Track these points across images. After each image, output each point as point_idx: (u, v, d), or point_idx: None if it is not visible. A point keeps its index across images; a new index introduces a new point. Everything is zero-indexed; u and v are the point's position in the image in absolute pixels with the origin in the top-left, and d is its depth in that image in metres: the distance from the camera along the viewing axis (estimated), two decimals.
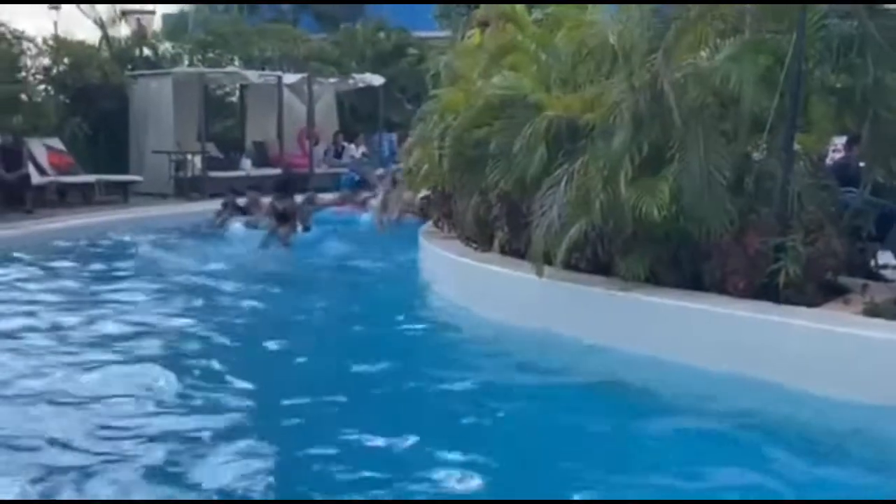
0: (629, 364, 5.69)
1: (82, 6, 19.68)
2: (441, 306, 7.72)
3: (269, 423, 5.18)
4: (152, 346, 6.80)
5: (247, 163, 18.13)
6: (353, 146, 19.79)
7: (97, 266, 10.65)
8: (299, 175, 16.51)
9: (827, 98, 6.36)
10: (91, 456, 4.59)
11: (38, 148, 15.37)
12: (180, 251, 11.50)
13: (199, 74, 18.05)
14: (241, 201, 12.99)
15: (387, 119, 20.22)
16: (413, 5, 22.55)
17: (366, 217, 13.27)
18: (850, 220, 6.53)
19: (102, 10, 19.85)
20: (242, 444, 4.76)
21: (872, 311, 5.45)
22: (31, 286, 9.18)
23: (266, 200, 12.53)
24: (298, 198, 12.36)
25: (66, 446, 4.72)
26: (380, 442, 4.72)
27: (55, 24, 18.38)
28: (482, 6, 9.44)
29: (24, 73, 17.13)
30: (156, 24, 21.03)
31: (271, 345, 6.89)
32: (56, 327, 7.33)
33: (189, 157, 16.96)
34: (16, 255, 10.84)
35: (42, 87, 17.58)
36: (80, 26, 19.34)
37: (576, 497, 4.11)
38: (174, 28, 22.62)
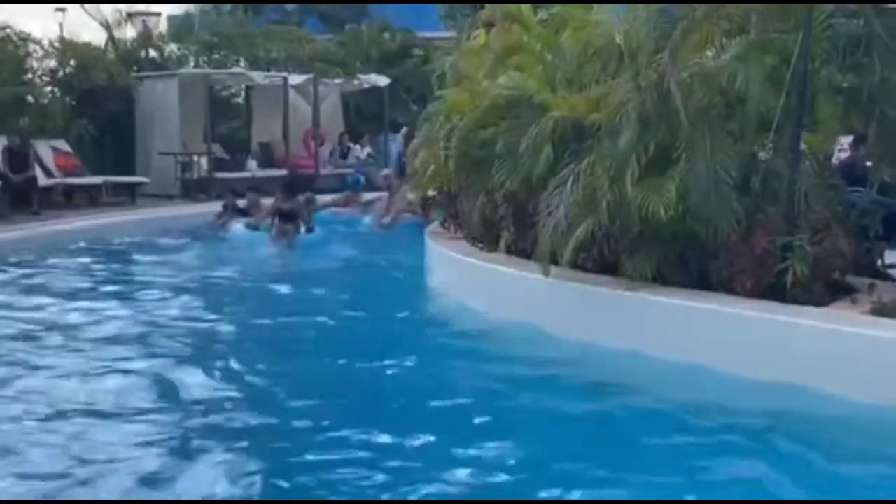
0: (636, 363, 5.68)
1: (87, 8, 19.77)
2: (447, 306, 7.72)
3: (275, 422, 5.19)
4: (158, 345, 6.83)
5: (252, 164, 18.14)
6: (358, 147, 19.81)
7: (103, 267, 10.68)
8: (305, 176, 16.53)
9: (833, 97, 6.36)
10: (91, 456, 4.60)
11: (44, 150, 15.40)
12: (185, 252, 11.54)
13: (204, 76, 18.09)
14: (241, 203, 13.01)
15: (392, 120, 20.22)
16: (418, 6, 22.58)
17: (367, 219, 13.28)
18: (857, 219, 6.51)
19: (108, 11, 19.98)
20: (245, 442, 4.78)
21: (880, 311, 5.44)
22: (37, 288, 9.21)
23: (266, 202, 12.55)
24: (299, 198, 12.38)
25: (66, 446, 4.73)
26: (387, 440, 4.74)
27: (61, 25, 18.45)
28: (487, 6, 9.44)
29: (30, 75, 17.21)
30: (161, 25, 21.04)
31: (277, 345, 6.90)
32: (61, 328, 7.36)
33: (195, 158, 16.98)
34: (23, 256, 10.88)
35: (48, 88, 17.65)
36: (86, 28, 19.49)
37: (576, 497, 4.12)
38: (180, 29, 22.63)
